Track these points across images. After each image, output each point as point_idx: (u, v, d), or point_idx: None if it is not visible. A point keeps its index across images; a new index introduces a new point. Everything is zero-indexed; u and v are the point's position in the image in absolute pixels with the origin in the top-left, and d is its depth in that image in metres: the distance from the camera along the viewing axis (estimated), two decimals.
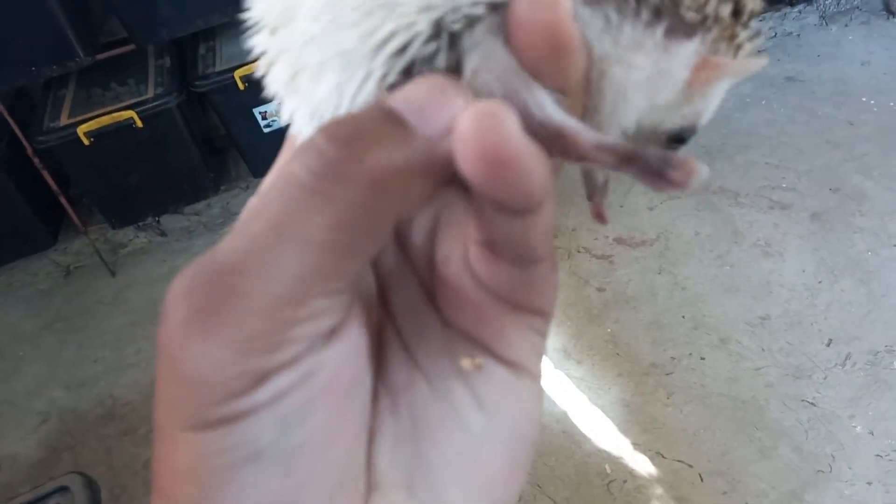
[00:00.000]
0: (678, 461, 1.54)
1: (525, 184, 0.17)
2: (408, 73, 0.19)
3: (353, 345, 0.19)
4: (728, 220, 2.05)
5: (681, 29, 0.21)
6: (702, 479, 1.50)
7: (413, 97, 0.18)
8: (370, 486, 0.20)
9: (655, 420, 1.61)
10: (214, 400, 0.17)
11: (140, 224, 2.24)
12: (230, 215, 2.28)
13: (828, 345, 1.71)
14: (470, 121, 0.16)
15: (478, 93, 0.19)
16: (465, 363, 0.21)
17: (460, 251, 0.21)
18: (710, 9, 0.22)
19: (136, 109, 1.94)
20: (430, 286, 0.22)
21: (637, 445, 1.57)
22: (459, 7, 0.19)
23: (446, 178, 0.18)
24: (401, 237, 0.22)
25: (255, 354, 0.16)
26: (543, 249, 0.20)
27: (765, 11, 2.70)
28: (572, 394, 1.68)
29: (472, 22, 0.19)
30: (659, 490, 1.50)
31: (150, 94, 2.00)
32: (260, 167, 2.21)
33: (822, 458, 1.50)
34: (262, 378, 0.17)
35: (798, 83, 2.53)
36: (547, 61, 0.18)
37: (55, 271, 2.26)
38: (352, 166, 0.17)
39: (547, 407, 1.66)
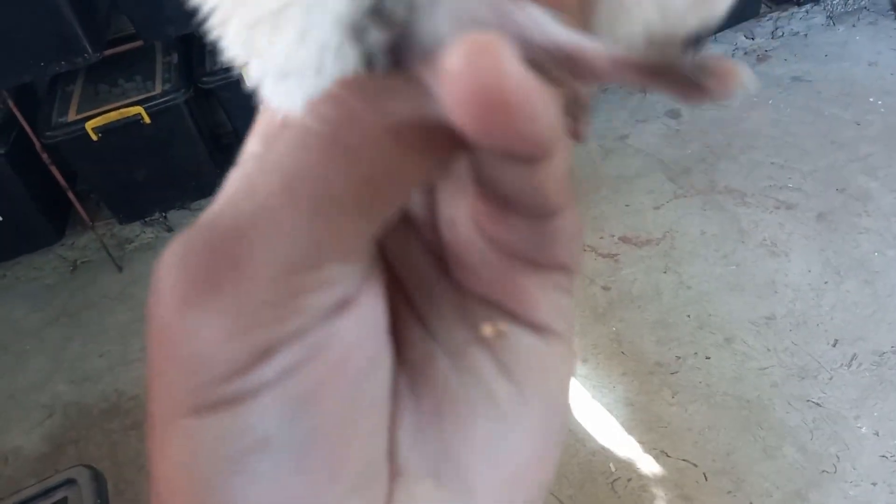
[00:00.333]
0: (683, 460, 1.54)
1: (531, 128, 0.14)
2: (378, 11, 0.16)
3: (368, 318, 0.17)
4: (734, 220, 2.05)
5: None
6: (706, 479, 1.50)
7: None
8: (392, 476, 0.18)
9: (660, 419, 1.61)
10: (215, 378, 0.15)
11: (147, 219, 2.25)
12: None
13: (833, 345, 1.71)
14: (458, 58, 0.13)
15: (462, 22, 0.15)
16: (487, 330, 0.18)
17: (466, 210, 0.18)
18: None
19: (144, 105, 1.95)
20: (437, 251, 0.19)
21: (642, 444, 1.57)
22: None
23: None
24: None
25: (260, 326, 0.15)
26: (560, 198, 0.17)
27: (772, 11, 2.70)
28: (577, 392, 1.69)
29: None
30: (663, 489, 1.50)
31: (158, 90, 2.01)
32: None
33: (827, 459, 1.50)
34: (267, 352, 0.15)
35: (804, 83, 2.53)
36: None
37: (62, 266, 2.26)
38: (376, 117, 0.15)
39: None
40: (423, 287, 0.19)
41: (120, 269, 2.22)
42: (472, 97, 0.13)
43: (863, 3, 2.81)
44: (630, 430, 1.60)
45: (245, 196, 0.15)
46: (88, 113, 1.95)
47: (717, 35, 2.68)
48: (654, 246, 2.01)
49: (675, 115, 2.48)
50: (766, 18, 2.71)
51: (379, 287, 0.17)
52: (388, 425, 0.18)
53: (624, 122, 2.48)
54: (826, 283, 1.85)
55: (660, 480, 1.51)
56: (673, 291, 1.88)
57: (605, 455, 1.57)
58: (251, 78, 0.19)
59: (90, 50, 1.86)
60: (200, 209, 2.29)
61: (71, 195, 2.08)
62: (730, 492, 1.48)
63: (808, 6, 2.72)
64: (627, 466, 1.54)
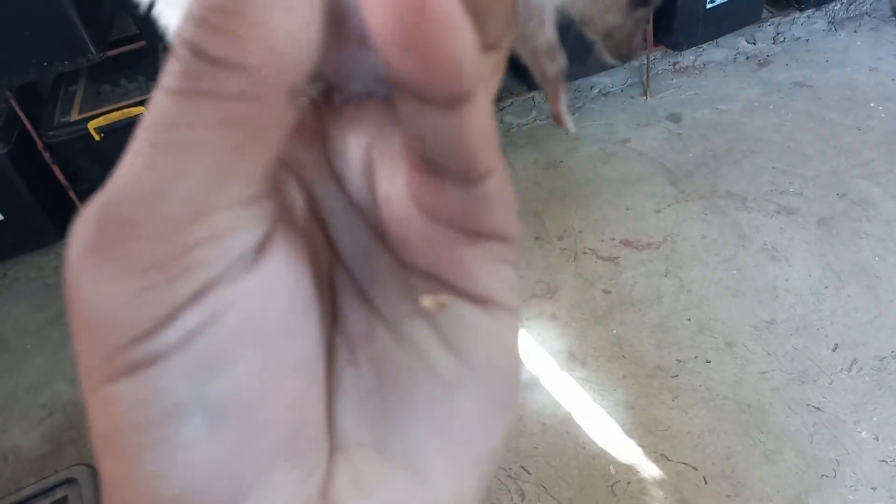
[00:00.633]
0: (682, 464, 1.54)
1: (449, 47, 0.14)
2: None
3: (279, 280, 0.16)
4: (735, 225, 2.05)
5: None
6: (706, 482, 1.50)
7: None
8: (333, 448, 0.18)
9: (660, 422, 1.61)
10: (122, 344, 0.15)
11: None
12: None
13: (833, 350, 1.71)
14: None
15: None
16: (426, 302, 0.18)
17: (401, 186, 0.18)
18: None
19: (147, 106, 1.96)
20: (378, 227, 0.19)
21: (641, 447, 1.57)
22: None
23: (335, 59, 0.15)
24: (338, 179, 0.19)
25: (157, 286, 0.15)
26: (485, 158, 0.17)
27: (773, 16, 2.70)
28: (577, 395, 1.69)
29: None
30: (663, 492, 1.50)
31: None
32: None
33: (827, 463, 1.50)
34: (169, 315, 0.15)
35: (806, 88, 2.53)
36: None
37: (62, 265, 2.25)
38: (227, 48, 0.14)
39: (551, 408, 1.66)
40: (365, 263, 0.19)
41: None
42: (395, 5, 0.13)
43: (864, 8, 2.82)
44: (630, 434, 1.60)
45: (128, 158, 0.15)
46: (91, 113, 1.96)
47: (719, 40, 2.68)
48: (654, 249, 2.01)
49: (676, 119, 2.48)
50: (768, 24, 2.71)
51: (294, 251, 0.17)
52: (323, 394, 0.18)
53: (625, 126, 2.48)
54: (827, 287, 1.85)
55: (659, 484, 1.51)
56: (673, 295, 1.88)
57: (605, 458, 1.57)
58: (167, 28, 0.19)
59: (93, 50, 1.87)
60: None
61: (72, 194, 2.09)
62: (729, 496, 1.48)
63: (809, 12, 2.73)
64: (627, 469, 1.54)
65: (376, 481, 0.18)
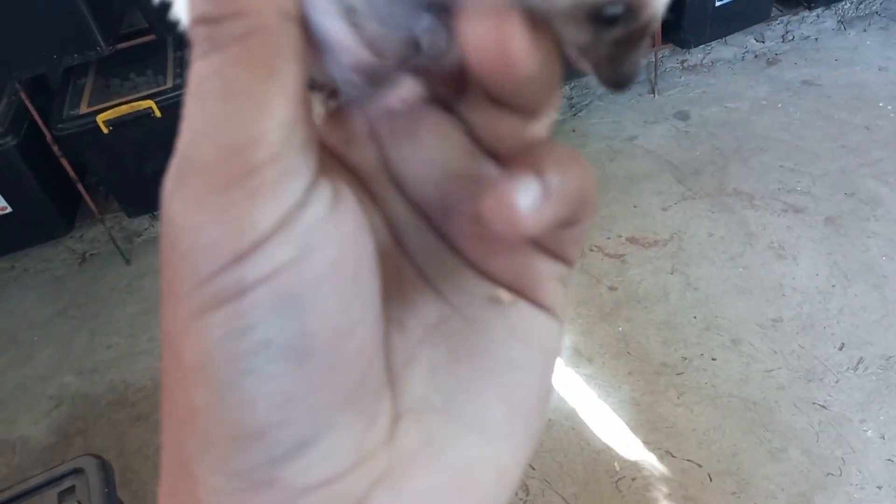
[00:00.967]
0: (687, 461, 1.54)
1: (525, 71, 0.18)
2: None
3: (353, 236, 0.18)
4: (742, 223, 2.05)
5: None
6: (711, 479, 1.50)
7: None
8: (401, 410, 0.20)
9: (665, 419, 1.61)
10: (210, 268, 0.16)
11: (156, 213, 2.25)
12: None
13: (840, 349, 1.70)
14: (481, 24, 0.17)
15: None
16: (504, 295, 0.22)
17: (491, 209, 0.20)
18: None
19: (156, 99, 1.96)
20: (448, 234, 0.22)
21: (646, 444, 1.58)
22: None
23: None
24: (399, 183, 0.22)
25: (238, 202, 0.16)
26: (546, 164, 0.20)
27: (783, 15, 2.69)
28: (582, 391, 1.69)
29: None
30: (667, 489, 1.50)
31: (169, 84, 2.02)
32: None
33: (833, 462, 1.50)
34: (255, 244, 0.16)
35: (815, 87, 2.52)
36: None
37: (70, 258, 2.28)
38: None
39: (557, 404, 1.66)
40: (436, 264, 0.22)
41: (128, 261, 2.23)
42: (487, 47, 0.17)
43: (874, 7, 2.81)
44: (635, 430, 1.60)
45: (185, 123, 0.17)
46: (100, 106, 1.97)
47: (728, 38, 2.68)
48: (661, 247, 2.01)
49: (684, 116, 2.48)
50: (777, 22, 2.70)
51: (362, 222, 0.19)
52: (382, 352, 0.20)
53: (633, 124, 2.48)
54: (834, 286, 1.84)
55: (664, 480, 1.51)
56: (680, 293, 1.88)
57: (610, 454, 1.57)
58: (180, 15, 0.22)
59: (103, 43, 1.87)
60: None
61: (80, 188, 2.10)
62: (734, 493, 1.48)
63: (819, 10, 2.72)
64: (632, 466, 1.54)
65: (447, 440, 0.20)
